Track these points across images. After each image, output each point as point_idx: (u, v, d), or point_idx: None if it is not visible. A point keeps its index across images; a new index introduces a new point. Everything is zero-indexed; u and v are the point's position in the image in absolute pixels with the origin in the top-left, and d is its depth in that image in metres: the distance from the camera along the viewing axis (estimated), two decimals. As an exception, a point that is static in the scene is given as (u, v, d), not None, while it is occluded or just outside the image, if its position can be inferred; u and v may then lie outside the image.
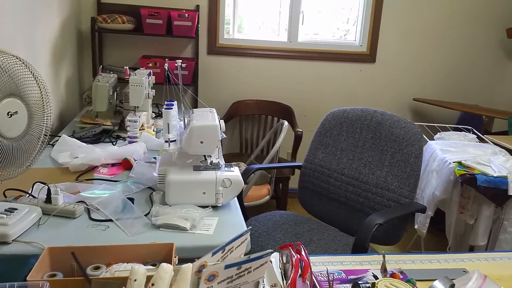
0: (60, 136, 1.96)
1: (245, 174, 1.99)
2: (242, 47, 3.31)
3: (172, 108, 1.57)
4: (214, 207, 1.48)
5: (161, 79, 2.89)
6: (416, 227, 2.60)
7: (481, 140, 2.81)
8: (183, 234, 1.30)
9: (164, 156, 1.64)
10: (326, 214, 2.02)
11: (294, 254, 1.02)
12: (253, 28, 3.44)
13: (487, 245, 2.36)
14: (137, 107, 2.24)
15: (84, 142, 1.97)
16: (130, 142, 2.06)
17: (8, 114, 1.11)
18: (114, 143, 2.11)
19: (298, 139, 3.06)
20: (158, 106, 2.82)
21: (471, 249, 2.45)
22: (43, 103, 1.24)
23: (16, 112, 1.13)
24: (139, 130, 2.15)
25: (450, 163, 2.35)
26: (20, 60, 1.15)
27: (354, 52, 3.47)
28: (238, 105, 3.35)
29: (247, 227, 1.40)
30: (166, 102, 1.63)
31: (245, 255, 0.83)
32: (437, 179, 2.44)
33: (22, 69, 1.16)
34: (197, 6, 3.11)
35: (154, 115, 2.60)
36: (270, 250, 0.79)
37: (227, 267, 0.74)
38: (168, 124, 1.54)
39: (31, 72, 1.19)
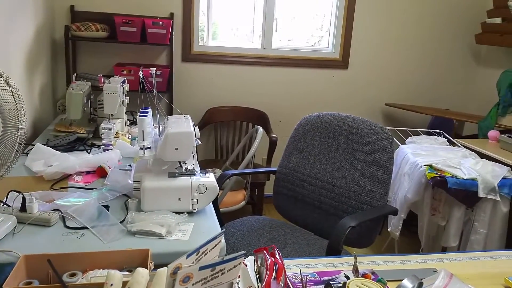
0: (34, 145, 1.94)
1: (220, 180, 2.01)
2: (216, 54, 3.33)
3: (146, 116, 1.59)
4: (190, 213, 1.49)
5: (136, 86, 2.89)
6: (389, 229, 2.66)
7: (452, 143, 2.90)
8: (159, 240, 1.31)
9: (139, 163, 1.65)
10: (301, 218, 2.05)
11: (268, 257, 1.05)
12: (227, 35, 3.47)
13: (459, 246, 2.43)
14: (112, 114, 2.24)
15: (59, 151, 1.96)
16: (104, 150, 2.06)
17: (-20, 123, 1.10)
18: (88, 151, 2.10)
19: (273, 144, 3.10)
20: (133, 114, 2.81)
21: (444, 250, 2.52)
22: (17, 112, 1.24)
23: (-12, 121, 1.13)
24: (114, 137, 2.15)
25: (421, 166, 2.42)
26: (-7, 69, 1.15)
27: (327, 58, 3.54)
28: (213, 112, 3.37)
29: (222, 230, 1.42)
30: (140, 110, 1.64)
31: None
32: (409, 182, 2.51)
33: (-5, 78, 1.16)
34: (171, 14, 3.13)
35: (129, 122, 2.60)
36: (243, 252, 0.82)
37: (201, 268, 0.76)
38: (143, 131, 1.55)
39: (5, 81, 1.19)
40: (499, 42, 3.28)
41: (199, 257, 0.82)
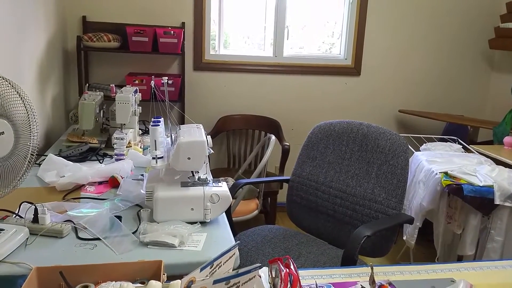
0: (46, 155, 1.95)
1: (233, 189, 1.99)
2: (228, 63, 3.33)
3: (159, 125, 1.58)
4: (203, 223, 1.48)
5: (148, 95, 2.89)
6: (404, 238, 2.61)
7: (467, 150, 2.86)
8: (172, 251, 1.29)
9: (152, 173, 1.64)
10: (315, 227, 2.02)
11: (283, 268, 1.03)
12: (239, 43, 3.47)
13: (475, 254, 2.38)
14: (124, 124, 2.25)
15: (71, 161, 1.96)
16: (117, 160, 2.06)
17: (-7, 135, 1.10)
18: (101, 161, 2.10)
19: (285, 153, 3.07)
20: (145, 123, 2.82)
21: (460, 259, 2.47)
22: (30, 122, 1.24)
23: (2, 133, 1.13)
24: (126, 147, 2.15)
25: (436, 174, 2.38)
26: (6, 81, 1.16)
27: (339, 65, 3.52)
28: (225, 120, 3.37)
29: (236, 242, 1.40)
30: (152, 119, 1.64)
31: (233, 270, 0.83)
32: (424, 190, 2.47)
33: (9, 89, 1.16)
34: (183, 23, 3.14)
35: (141, 132, 2.60)
36: (258, 264, 0.80)
37: (215, 282, 0.74)
38: (155, 141, 1.55)
39: (18, 92, 1.19)
40: (513, 46, 3.23)
41: (213, 270, 0.81)
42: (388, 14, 3.46)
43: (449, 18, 3.56)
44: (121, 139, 2.08)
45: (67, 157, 2.02)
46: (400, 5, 3.47)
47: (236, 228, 2.00)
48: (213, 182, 1.57)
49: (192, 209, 1.47)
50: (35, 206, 1.34)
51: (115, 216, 1.45)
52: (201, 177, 1.55)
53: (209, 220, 1.48)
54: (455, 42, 3.63)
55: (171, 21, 3.12)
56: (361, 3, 3.39)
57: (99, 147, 2.24)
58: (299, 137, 3.48)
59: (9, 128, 1.16)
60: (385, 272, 1.26)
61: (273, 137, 2.74)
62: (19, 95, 1.20)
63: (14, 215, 1.38)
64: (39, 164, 1.89)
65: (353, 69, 3.52)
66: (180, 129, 1.63)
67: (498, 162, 2.55)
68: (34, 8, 2.35)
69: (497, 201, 2.20)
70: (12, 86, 1.17)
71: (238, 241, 1.05)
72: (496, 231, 2.29)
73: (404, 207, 2.50)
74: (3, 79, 1.15)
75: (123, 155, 2.09)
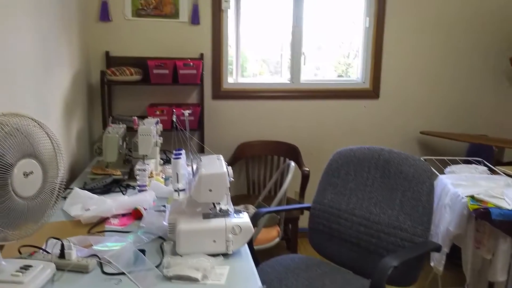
0: (72, 188, 1.99)
1: (254, 219, 1.99)
2: (245, 90, 3.37)
3: (180, 158, 1.60)
4: (225, 255, 1.47)
5: (169, 125, 2.94)
6: (432, 264, 2.55)
7: (493, 171, 2.80)
8: (195, 285, 1.29)
9: (174, 204, 1.65)
10: (338, 255, 1.99)
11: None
12: (255, 67, 3.52)
13: (507, 281, 2.30)
14: (146, 155, 2.28)
15: (95, 193, 2.00)
16: (139, 191, 2.08)
17: (24, 175, 1.14)
18: (124, 192, 2.13)
19: (305, 178, 3.06)
20: (166, 153, 2.85)
21: (491, 286, 2.39)
22: (57, 160, 1.27)
23: (31, 172, 1.16)
24: (148, 177, 2.18)
25: (462, 198, 2.33)
26: (36, 122, 1.20)
27: (357, 89, 3.52)
28: (244, 147, 3.39)
29: (259, 273, 1.39)
30: (174, 152, 1.66)
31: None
32: (451, 214, 2.42)
33: (37, 130, 1.21)
34: (201, 54, 3.20)
35: (162, 162, 2.64)
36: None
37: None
38: (177, 173, 1.57)
39: (46, 132, 1.23)
40: (535, 65, 3.19)
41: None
42: (405, 35, 3.47)
43: (468, 37, 3.55)
44: (143, 170, 2.11)
45: (91, 190, 2.06)
46: (417, 26, 3.47)
47: (258, 256, 1.99)
48: (234, 212, 1.57)
49: (214, 241, 1.47)
50: (62, 242, 1.36)
51: (139, 249, 1.46)
52: (222, 208, 1.56)
53: (231, 252, 1.48)
54: (475, 61, 3.60)
55: (190, 52, 3.19)
56: (378, 27, 3.41)
57: (122, 178, 2.28)
58: (318, 161, 3.46)
59: (37, 167, 1.19)
60: (412, 304, 1.23)
61: (292, 163, 2.74)
62: (47, 135, 1.24)
63: (42, 251, 1.40)
64: (65, 198, 1.93)
65: (372, 92, 3.52)
66: (201, 160, 1.65)
67: (526, 184, 2.49)
68: (59, 45, 2.44)
69: (527, 225, 2.14)
70: (41, 127, 1.21)
71: (265, 286, 1.04)
72: (528, 255, 2.22)
73: (431, 232, 2.45)
74: (32, 120, 1.20)
75: (145, 186, 2.12)
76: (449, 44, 3.54)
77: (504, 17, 3.54)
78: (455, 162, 3.06)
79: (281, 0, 3.39)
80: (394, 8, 3.41)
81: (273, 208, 2.34)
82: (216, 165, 1.58)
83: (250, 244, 1.76)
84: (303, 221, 2.64)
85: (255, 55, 3.54)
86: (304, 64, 3.47)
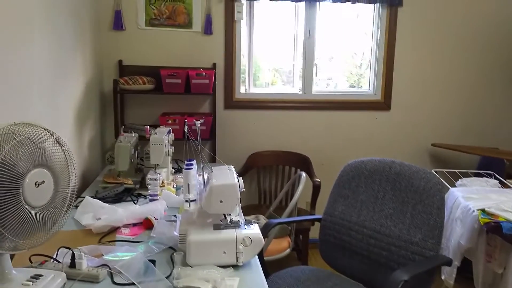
0: (83, 197, 2.01)
1: (265, 230, 1.98)
2: (257, 100, 3.39)
3: (191, 168, 1.61)
4: (235, 267, 1.47)
5: (181, 135, 2.96)
6: (443, 277, 2.52)
7: (504, 185, 2.77)
8: (205, 296, 1.29)
9: (185, 215, 1.66)
10: (349, 268, 1.98)
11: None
12: (268, 76, 3.54)
13: (519, 295, 2.27)
14: (158, 164, 2.30)
15: (107, 202, 2.01)
16: (151, 200, 2.10)
17: (35, 184, 1.15)
18: (135, 201, 2.14)
19: (316, 189, 3.05)
20: (178, 162, 2.87)
21: (503, 300, 2.35)
22: (69, 170, 1.29)
23: (43, 182, 1.17)
24: (160, 187, 2.19)
25: (473, 211, 2.31)
26: (48, 132, 1.21)
27: (368, 100, 3.51)
28: (256, 157, 3.39)
29: (269, 285, 1.39)
30: (186, 162, 1.67)
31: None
32: (462, 228, 2.39)
33: (50, 139, 1.22)
34: (214, 64, 3.23)
35: (173, 171, 2.65)
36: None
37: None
38: (188, 184, 1.57)
39: (58, 142, 1.24)
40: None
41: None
42: (416, 48, 3.46)
43: (478, 49, 3.53)
44: (155, 179, 2.12)
45: (103, 199, 2.07)
46: (428, 38, 3.46)
47: (268, 267, 1.99)
48: (245, 224, 1.57)
49: (224, 252, 1.47)
50: (73, 251, 1.37)
51: (149, 260, 1.47)
52: (233, 220, 1.56)
53: (241, 264, 1.48)
54: (486, 73, 3.57)
55: (203, 62, 3.22)
56: (389, 39, 3.41)
57: (134, 187, 2.29)
58: (330, 172, 3.45)
59: (49, 177, 1.21)
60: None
61: (303, 174, 2.73)
62: (60, 145, 1.25)
63: (52, 260, 1.41)
64: (76, 206, 1.95)
65: (383, 104, 3.51)
66: (212, 171, 1.66)
67: (539, 198, 2.45)
68: (72, 54, 2.47)
69: (539, 240, 2.11)
70: (53, 137, 1.23)
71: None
72: (540, 270, 2.18)
73: (442, 245, 2.43)
74: (45, 130, 1.21)
75: (156, 195, 2.13)
76: (459, 56, 3.52)
77: (518, 29, 3.52)
78: (466, 175, 3.03)
79: (294, 11, 3.41)
80: (405, 20, 3.41)
81: (284, 219, 2.34)
82: (227, 176, 1.59)
83: (260, 255, 1.75)
84: (314, 232, 2.63)
85: (268, 64, 3.56)
86: (316, 75, 3.48)
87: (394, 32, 3.41)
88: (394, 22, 3.39)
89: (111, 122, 3.14)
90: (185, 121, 2.92)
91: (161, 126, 2.57)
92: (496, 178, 2.89)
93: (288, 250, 2.69)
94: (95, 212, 1.87)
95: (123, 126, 2.94)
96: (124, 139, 2.40)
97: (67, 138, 2.35)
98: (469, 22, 3.48)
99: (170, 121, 2.98)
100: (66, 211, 1.33)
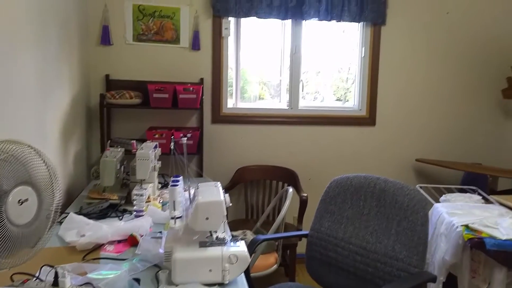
0: (68, 213, 1.98)
1: (251, 246, 1.98)
2: (245, 115, 3.40)
3: (177, 185, 1.61)
4: (221, 285, 1.47)
5: (168, 149, 2.95)
6: (428, 293, 2.53)
7: (487, 200, 2.80)
8: (190, 315, 1.28)
9: (170, 232, 1.65)
10: (335, 284, 1.98)
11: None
12: (256, 90, 3.57)
13: (503, 310, 2.29)
14: (144, 180, 2.28)
15: (91, 218, 1.99)
16: (136, 216, 2.08)
17: (19, 202, 1.14)
18: (120, 217, 2.12)
19: (303, 203, 3.06)
20: (164, 176, 2.86)
21: (487, 315, 2.37)
22: (53, 187, 1.28)
23: (26, 199, 1.16)
24: (146, 202, 2.18)
25: (457, 227, 2.33)
26: (33, 149, 1.21)
27: (354, 116, 3.55)
28: (243, 171, 3.39)
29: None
30: (172, 179, 1.67)
31: None
32: (446, 243, 2.41)
33: (33, 156, 1.21)
34: (201, 79, 3.24)
35: (160, 186, 2.64)
36: None
37: None
38: (174, 201, 1.57)
39: (42, 159, 1.24)
40: (527, 96, 3.23)
41: None
42: (400, 65, 3.52)
43: (462, 67, 3.60)
44: (141, 195, 2.11)
45: (87, 215, 2.05)
46: (412, 56, 3.53)
47: (255, 284, 1.98)
48: (231, 241, 1.57)
49: (210, 270, 1.46)
50: (56, 269, 1.35)
51: (133, 278, 1.45)
52: (219, 237, 1.56)
53: (227, 282, 1.47)
54: (469, 91, 3.65)
55: (190, 77, 3.23)
56: (373, 56, 3.47)
57: (119, 203, 2.27)
58: (317, 187, 3.47)
59: (33, 194, 1.20)
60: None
61: (290, 189, 2.74)
62: (44, 162, 1.25)
63: (35, 279, 1.39)
64: (60, 223, 1.92)
65: (368, 119, 3.55)
66: (198, 187, 1.66)
67: (521, 213, 2.49)
68: (59, 68, 2.47)
69: (522, 256, 2.14)
70: (39, 155, 1.22)
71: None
72: (524, 286, 2.21)
73: (427, 261, 2.44)
74: (30, 147, 1.21)
75: (142, 211, 2.11)
76: (443, 73, 3.59)
77: (498, 47, 3.61)
78: (450, 191, 3.07)
79: (281, 27, 3.45)
80: (389, 38, 3.47)
81: (270, 235, 2.33)
82: (213, 193, 1.58)
83: (247, 272, 1.75)
84: (302, 247, 2.62)
85: (256, 77, 3.59)
86: (303, 91, 3.51)
87: (378, 50, 3.47)
88: (378, 40, 3.45)
89: (97, 136, 3.12)
90: (172, 136, 2.92)
91: (148, 141, 2.56)
92: (480, 194, 2.93)
93: (275, 266, 2.68)
94: (80, 229, 1.85)
95: (109, 141, 2.93)
96: (110, 154, 2.38)
97: (52, 153, 2.33)
98: (453, 40, 3.56)
99: (157, 136, 2.98)
100: (49, 228, 1.31)
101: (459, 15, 3.53)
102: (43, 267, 1.42)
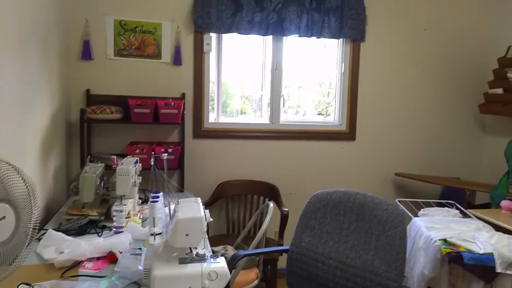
0: (46, 230, 1.96)
1: (232, 262, 1.98)
2: (226, 130, 3.42)
3: (157, 201, 1.61)
4: (201, 302, 1.46)
5: (148, 164, 2.93)
6: (408, 307, 2.56)
7: (465, 214, 2.86)
8: (169, 333, 1.28)
9: (150, 248, 1.64)
10: (315, 299, 1.99)
11: None
12: (238, 104, 3.60)
13: (481, 324, 2.32)
14: (124, 195, 2.27)
15: (70, 235, 1.97)
16: (116, 233, 2.07)
17: (-4, 220, 1.13)
18: (99, 234, 2.10)
19: (284, 218, 3.07)
20: (145, 192, 2.84)
21: (465, 329, 2.40)
22: (31, 204, 1.27)
23: (4, 217, 1.15)
24: (126, 218, 2.16)
25: (435, 241, 2.37)
26: (12, 166, 1.20)
27: (334, 130, 3.60)
28: (224, 186, 3.39)
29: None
30: (152, 195, 1.67)
31: None
32: (425, 257, 2.45)
33: (11, 173, 1.21)
34: (183, 94, 3.25)
35: (140, 201, 2.62)
36: None
37: None
38: (153, 218, 1.57)
39: (21, 176, 1.23)
40: (502, 112, 3.32)
41: None
42: (380, 81, 3.60)
43: (441, 83, 3.69)
44: (120, 211, 2.10)
45: (66, 231, 2.03)
46: (391, 71, 3.61)
47: (236, 301, 1.97)
48: (211, 257, 1.57)
49: (190, 287, 1.46)
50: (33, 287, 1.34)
51: (112, 296, 1.44)
52: (199, 253, 1.56)
53: (207, 299, 1.47)
54: (447, 107, 3.74)
55: (171, 92, 3.23)
56: (353, 72, 3.53)
57: (99, 219, 2.25)
58: (297, 201, 3.49)
59: (10, 212, 1.19)
60: None
61: (271, 204, 2.75)
62: (22, 179, 1.24)
63: (11, 297, 1.37)
64: (39, 239, 1.90)
65: (348, 134, 3.60)
66: (178, 203, 1.66)
67: (496, 227, 2.55)
68: (39, 83, 2.45)
69: (498, 269, 2.18)
70: (17, 172, 1.21)
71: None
72: (501, 299, 2.25)
73: (406, 275, 2.47)
74: (9, 164, 1.20)
75: (122, 227, 2.10)
76: (422, 89, 3.68)
77: (475, 63, 3.71)
78: (429, 205, 3.12)
79: (262, 43, 3.50)
80: (368, 54, 3.54)
81: (251, 251, 2.33)
82: (194, 209, 1.59)
83: (227, 288, 1.75)
84: (282, 262, 2.63)
85: (238, 91, 3.62)
86: (284, 106, 3.56)
87: (357, 65, 3.53)
88: (357, 56, 3.52)
89: (77, 151, 3.09)
90: (153, 152, 2.91)
91: (128, 156, 2.55)
92: (458, 208, 2.99)
93: (256, 282, 2.67)
94: (58, 246, 1.83)
95: (89, 156, 2.90)
96: (89, 169, 2.36)
97: (31, 168, 2.30)
98: (431, 56, 3.65)
99: (138, 151, 2.97)
100: (27, 246, 1.30)
101: (437, 31, 3.63)
102: (20, 285, 1.40)
